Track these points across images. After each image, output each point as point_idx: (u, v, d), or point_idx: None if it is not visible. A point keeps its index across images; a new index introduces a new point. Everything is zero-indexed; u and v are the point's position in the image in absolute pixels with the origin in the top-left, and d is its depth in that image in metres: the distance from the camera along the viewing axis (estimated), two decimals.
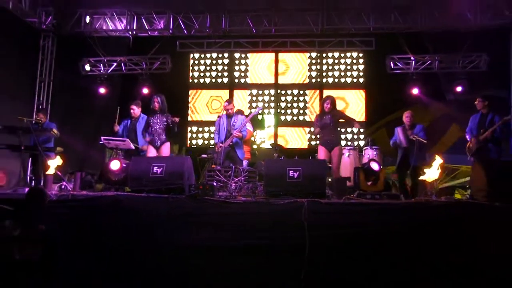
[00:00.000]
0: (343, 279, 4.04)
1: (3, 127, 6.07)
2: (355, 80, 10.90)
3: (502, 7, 8.81)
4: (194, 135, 11.15)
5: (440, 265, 3.97)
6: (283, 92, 11.12)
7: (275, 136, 10.78)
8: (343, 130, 7.50)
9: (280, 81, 11.14)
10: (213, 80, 11.30)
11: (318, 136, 6.87)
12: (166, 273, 4.23)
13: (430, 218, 4.20)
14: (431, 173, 5.63)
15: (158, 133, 6.78)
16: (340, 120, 6.90)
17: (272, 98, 11.08)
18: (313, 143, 10.34)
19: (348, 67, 10.93)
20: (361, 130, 10.46)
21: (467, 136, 7.04)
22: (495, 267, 3.88)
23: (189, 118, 11.19)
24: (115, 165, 6.27)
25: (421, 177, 6.26)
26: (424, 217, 4.24)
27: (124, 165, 6.26)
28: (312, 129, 9.75)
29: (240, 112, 7.95)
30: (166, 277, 4.22)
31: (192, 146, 10.89)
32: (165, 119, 6.76)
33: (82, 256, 4.27)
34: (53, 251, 3.60)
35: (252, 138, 8.90)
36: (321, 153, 6.65)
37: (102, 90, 10.31)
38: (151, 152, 6.75)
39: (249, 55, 11.21)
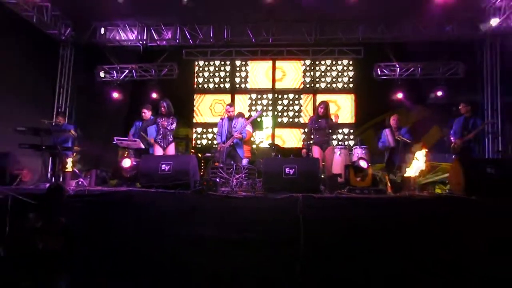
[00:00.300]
0: (335, 268, 4.04)
1: (26, 128, 6.05)
2: (345, 85, 10.92)
3: (476, 22, 8.99)
4: (199, 136, 11.15)
5: (426, 258, 3.96)
6: (280, 96, 11.12)
7: (273, 136, 10.78)
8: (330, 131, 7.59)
9: (277, 86, 11.15)
10: (216, 86, 11.31)
11: (312, 136, 6.89)
12: (170, 264, 4.21)
13: (413, 211, 4.21)
14: (417, 164, 5.64)
15: (165, 134, 6.81)
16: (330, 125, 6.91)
17: (270, 102, 11.08)
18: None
19: (339, 74, 10.96)
20: (351, 131, 10.52)
21: (451, 138, 7.05)
22: (474, 258, 3.87)
23: (194, 120, 11.20)
24: (126, 163, 6.29)
25: (406, 173, 6.28)
26: (408, 210, 4.24)
27: (135, 163, 6.28)
28: (306, 130, 9.76)
29: (241, 114, 7.93)
30: (170, 267, 4.20)
31: (197, 146, 10.89)
32: (171, 122, 6.81)
33: (93, 252, 4.22)
34: (72, 242, 3.60)
35: (252, 139, 8.90)
36: (316, 152, 6.67)
37: (115, 95, 10.34)
38: (158, 151, 6.78)
39: (249, 62, 11.21)
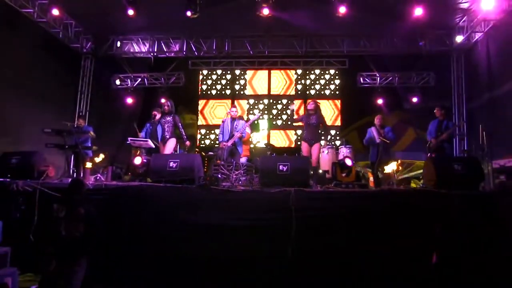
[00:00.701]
0: (322, 251, 4.06)
1: (52, 130, 6.06)
2: (332, 92, 10.98)
3: (444, 38, 9.16)
4: (203, 137, 11.15)
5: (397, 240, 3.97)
6: (274, 101, 11.14)
7: (268, 137, 10.79)
8: (322, 132, 7.48)
9: (272, 93, 11.16)
10: (218, 92, 11.32)
11: (297, 123, 6.86)
12: (176, 245, 4.19)
13: (392, 203, 4.23)
14: (390, 167, 5.71)
15: (166, 130, 6.79)
16: (321, 124, 6.86)
17: (266, 107, 11.10)
18: (298, 143, 10.35)
19: (327, 82, 11.02)
20: (337, 132, 10.55)
21: (428, 138, 7.05)
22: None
23: (199, 123, 11.19)
24: (137, 160, 6.27)
25: (385, 170, 6.31)
26: (387, 202, 4.26)
27: (145, 161, 6.26)
28: (299, 131, 9.79)
29: (241, 117, 7.94)
30: (176, 248, 4.18)
31: (201, 146, 10.89)
32: (172, 119, 6.78)
33: (108, 238, 4.19)
34: (91, 230, 3.60)
35: (250, 139, 8.90)
36: (304, 148, 6.63)
37: (129, 100, 10.30)
38: (161, 145, 6.78)
39: (247, 71, 11.23)
